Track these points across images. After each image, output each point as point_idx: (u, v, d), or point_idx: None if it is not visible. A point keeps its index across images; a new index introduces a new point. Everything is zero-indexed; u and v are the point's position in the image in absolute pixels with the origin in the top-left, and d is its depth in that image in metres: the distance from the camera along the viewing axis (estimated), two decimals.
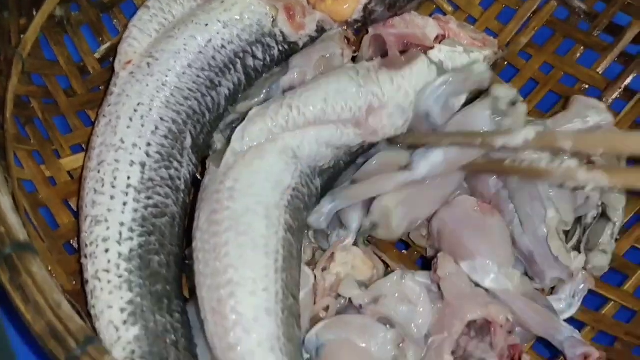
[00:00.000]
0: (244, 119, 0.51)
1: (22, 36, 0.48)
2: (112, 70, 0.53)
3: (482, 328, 0.47)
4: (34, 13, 0.50)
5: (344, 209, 0.52)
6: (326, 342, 0.46)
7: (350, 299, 0.49)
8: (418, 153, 0.50)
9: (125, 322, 0.42)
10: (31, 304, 0.33)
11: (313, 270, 0.51)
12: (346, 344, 0.45)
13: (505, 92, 0.50)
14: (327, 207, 0.51)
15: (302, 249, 0.52)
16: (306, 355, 0.46)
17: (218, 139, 0.55)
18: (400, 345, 0.46)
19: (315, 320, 0.48)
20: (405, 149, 0.53)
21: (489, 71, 0.53)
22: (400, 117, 0.51)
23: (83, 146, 0.54)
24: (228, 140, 0.50)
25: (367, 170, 0.53)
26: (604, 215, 0.53)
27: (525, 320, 0.48)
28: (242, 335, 0.41)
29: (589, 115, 0.52)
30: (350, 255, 0.51)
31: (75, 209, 0.51)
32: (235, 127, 0.54)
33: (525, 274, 0.51)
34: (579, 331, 0.51)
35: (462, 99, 0.53)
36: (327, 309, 0.49)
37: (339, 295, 0.50)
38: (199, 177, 0.52)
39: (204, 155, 0.53)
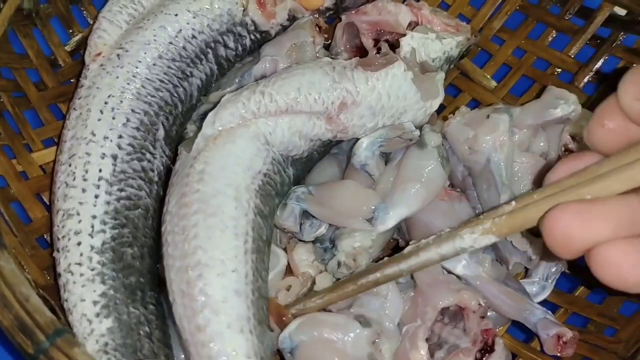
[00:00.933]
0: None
1: None
2: (83, 62, 0.52)
3: (455, 314, 0.47)
4: (1, 6, 0.49)
5: None
6: (300, 343, 0.46)
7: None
8: (381, 208, 0.51)
9: (98, 315, 0.42)
10: None
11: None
12: (320, 343, 0.45)
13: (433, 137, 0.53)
14: (295, 210, 0.51)
15: (276, 235, 0.53)
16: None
17: (191, 130, 0.55)
18: (375, 341, 0.46)
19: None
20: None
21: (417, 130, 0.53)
22: (371, 119, 0.51)
23: (55, 140, 0.53)
24: (200, 126, 0.50)
25: (335, 195, 0.52)
26: None
27: (498, 304, 0.48)
28: (211, 316, 0.41)
29: (558, 107, 0.51)
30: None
31: (48, 203, 0.51)
32: None
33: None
34: (553, 313, 0.51)
35: (398, 153, 0.53)
36: (289, 288, 0.49)
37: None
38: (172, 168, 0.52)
39: (177, 146, 0.53)
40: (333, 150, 0.57)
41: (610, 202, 0.29)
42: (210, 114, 0.48)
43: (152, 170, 0.50)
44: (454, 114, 0.55)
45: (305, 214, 0.52)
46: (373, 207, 0.51)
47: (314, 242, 0.54)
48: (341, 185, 0.53)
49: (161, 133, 0.51)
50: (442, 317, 0.48)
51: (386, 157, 0.55)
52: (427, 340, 0.46)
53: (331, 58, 0.56)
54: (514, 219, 0.33)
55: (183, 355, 0.45)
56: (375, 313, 0.47)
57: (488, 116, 0.51)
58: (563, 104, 0.51)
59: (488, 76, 0.63)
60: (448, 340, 0.47)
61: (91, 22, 0.58)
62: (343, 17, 0.60)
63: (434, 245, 0.38)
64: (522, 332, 0.53)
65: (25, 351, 0.33)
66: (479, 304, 0.46)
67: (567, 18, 0.61)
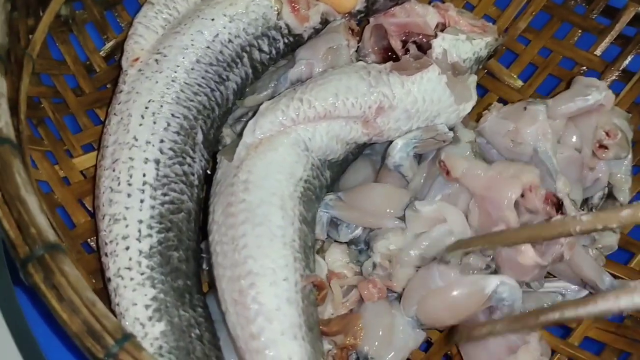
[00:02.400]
0: (252, 112, 0.52)
1: (30, 36, 0.48)
2: (119, 68, 0.53)
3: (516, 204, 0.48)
4: (41, 13, 0.50)
5: None
6: None
7: None
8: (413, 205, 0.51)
9: (150, 318, 0.43)
10: (66, 303, 0.34)
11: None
12: None
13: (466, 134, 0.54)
14: (323, 218, 0.52)
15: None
16: None
17: (227, 134, 0.56)
18: None
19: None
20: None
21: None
22: (406, 123, 0.52)
23: (94, 145, 0.54)
24: (239, 134, 0.50)
25: (366, 197, 0.53)
26: (610, 196, 0.55)
27: (581, 264, 0.50)
28: (265, 324, 0.42)
29: (589, 94, 0.53)
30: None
31: (89, 209, 0.51)
32: (244, 121, 0.55)
33: None
34: None
35: (430, 153, 0.54)
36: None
37: None
38: (209, 173, 0.52)
39: (214, 150, 0.54)
40: (366, 151, 0.57)
41: None
42: (250, 122, 0.49)
43: (193, 174, 0.50)
44: (483, 113, 0.56)
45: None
46: (405, 205, 0.52)
47: (348, 244, 0.55)
48: (370, 187, 0.54)
49: (200, 137, 0.51)
50: None
51: (419, 159, 0.56)
52: None
53: (363, 61, 0.56)
54: None
55: (233, 359, 0.46)
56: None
57: (525, 108, 0.52)
58: (595, 91, 0.52)
59: (514, 76, 0.64)
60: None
61: (125, 28, 0.58)
62: (371, 19, 0.60)
63: (613, 297, 0.36)
64: (559, 328, 0.53)
65: (94, 356, 0.33)
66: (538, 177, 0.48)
67: (592, 17, 0.62)
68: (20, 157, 0.37)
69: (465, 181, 0.50)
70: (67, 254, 0.35)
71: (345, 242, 0.55)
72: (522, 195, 0.48)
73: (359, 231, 0.54)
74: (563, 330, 0.53)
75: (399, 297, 0.52)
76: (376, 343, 0.50)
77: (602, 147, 0.53)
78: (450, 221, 0.50)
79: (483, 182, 0.49)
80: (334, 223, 0.54)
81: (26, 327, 0.43)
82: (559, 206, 0.47)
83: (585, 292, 0.52)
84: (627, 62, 0.60)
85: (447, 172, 0.50)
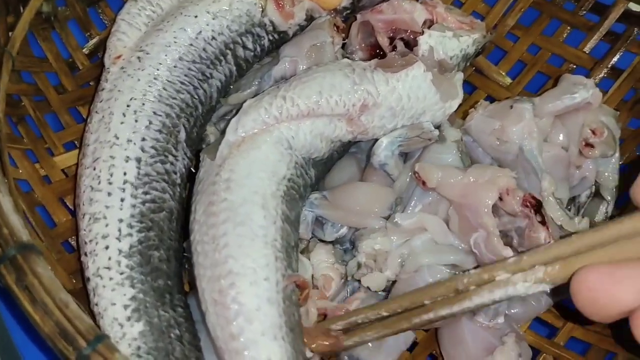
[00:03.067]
0: (236, 110, 0.51)
1: (10, 34, 0.48)
2: (102, 65, 0.52)
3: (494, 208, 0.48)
4: (21, 10, 0.49)
5: None
6: None
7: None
8: (398, 205, 0.52)
9: (129, 319, 0.42)
10: (39, 305, 0.33)
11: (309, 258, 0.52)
12: None
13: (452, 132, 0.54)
14: (308, 217, 0.52)
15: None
16: None
17: (211, 132, 0.55)
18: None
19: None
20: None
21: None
22: (391, 120, 0.52)
23: (76, 143, 0.53)
24: (222, 132, 0.50)
25: (351, 196, 0.53)
26: (597, 194, 0.54)
27: None
28: (245, 324, 0.41)
29: (577, 92, 0.52)
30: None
31: (71, 207, 0.51)
32: (228, 119, 0.54)
33: None
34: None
35: (416, 152, 0.54)
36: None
37: None
38: (193, 171, 0.52)
39: (198, 148, 0.53)
40: (352, 150, 0.57)
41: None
42: (233, 121, 0.49)
43: (175, 173, 0.50)
44: (470, 111, 0.55)
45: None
46: (390, 204, 0.52)
47: (333, 243, 0.54)
48: (356, 187, 0.54)
49: (182, 135, 0.51)
50: None
51: (405, 157, 0.56)
52: None
53: (347, 57, 0.56)
54: (568, 269, 0.32)
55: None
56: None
57: (511, 107, 0.52)
58: (582, 89, 0.52)
59: (503, 73, 0.64)
60: (508, 229, 0.48)
61: (108, 25, 0.57)
62: (358, 15, 0.60)
63: (487, 291, 0.37)
64: (545, 327, 0.53)
65: (66, 358, 0.33)
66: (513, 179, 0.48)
67: (581, 14, 0.62)
68: None
69: (442, 190, 0.50)
70: (41, 254, 0.35)
71: (331, 242, 0.54)
72: (501, 199, 0.47)
73: (344, 230, 0.53)
74: (549, 330, 0.53)
75: (386, 297, 0.52)
76: (369, 344, 0.50)
77: (589, 145, 0.52)
78: (431, 230, 0.50)
79: (459, 189, 0.49)
80: (319, 222, 0.54)
81: (3, 328, 0.43)
82: (537, 207, 0.47)
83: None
84: (615, 59, 0.60)
85: (423, 183, 0.50)
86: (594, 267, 0.29)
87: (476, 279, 0.36)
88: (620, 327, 0.50)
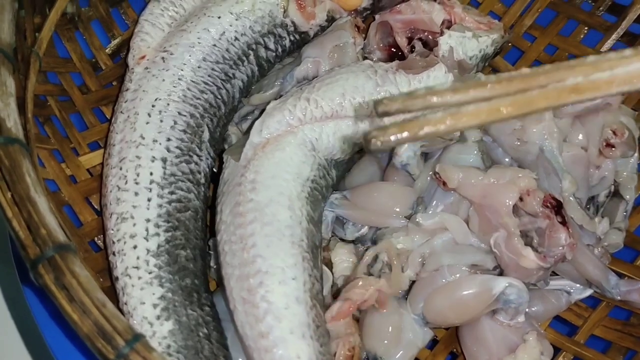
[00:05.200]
0: (258, 111, 0.52)
1: (37, 34, 0.48)
2: (124, 65, 0.53)
3: (515, 208, 0.49)
4: (47, 11, 0.50)
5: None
6: None
7: None
8: (419, 204, 0.52)
9: (158, 317, 0.43)
10: (77, 304, 0.34)
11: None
12: None
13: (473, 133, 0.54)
14: (328, 217, 0.52)
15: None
16: None
17: (233, 132, 0.56)
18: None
19: None
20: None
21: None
22: None
23: (100, 143, 0.54)
24: (245, 133, 0.50)
25: (372, 196, 0.53)
26: (616, 194, 0.55)
27: (585, 263, 0.50)
28: (274, 323, 0.42)
29: None
30: None
31: (96, 207, 0.51)
32: (250, 119, 0.55)
33: None
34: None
35: (435, 152, 0.54)
36: None
37: None
38: (215, 171, 0.52)
39: (220, 148, 0.54)
40: None
41: None
42: (257, 122, 0.49)
43: (199, 172, 0.50)
44: None
45: None
46: (411, 204, 0.52)
47: (354, 242, 0.55)
48: (377, 186, 0.54)
49: (206, 135, 0.51)
50: None
51: (425, 157, 0.56)
52: None
53: (366, 58, 0.56)
54: None
55: (240, 359, 0.46)
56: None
57: None
58: None
59: None
60: (529, 229, 0.49)
61: (130, 25, 0.58)
62: (377, 16, 0.60)
63: None
64: (564, 325, 0.53)
65: (105, 357, 0.33)
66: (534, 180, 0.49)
67: (598, 14, 0.62)
68: (29, 157, 0.37)
69: (462, 191, 0.50)
70: (76, 254, 0.35)
71: (351, 241, 0.55)
72: (521, 199, 0.48)
73: (365, 229, 0.54)
74: (569, 328, 0.53)
75: (406, 295, 0.52)
76: (385, 341, 0.50)
77: (609, 145, 0.53)
78: (452, 230, 0.51)
79: (479, 190, 0.49)
80: (340, 221, 0.54)
81: (35, 327, 0.43)
82: (558, 208, 0.47)
83: (590, 291, 0.52)
84: None
85: (444, 183, 0.51)
86: None
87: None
88: None
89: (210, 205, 0.52)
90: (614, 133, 0.53)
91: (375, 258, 0.52)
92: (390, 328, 0.50)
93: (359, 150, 0.55)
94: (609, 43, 0.61)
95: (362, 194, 0.54)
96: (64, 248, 0.35)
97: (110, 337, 0.33)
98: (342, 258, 0.54)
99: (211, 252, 0.50)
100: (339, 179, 0.54)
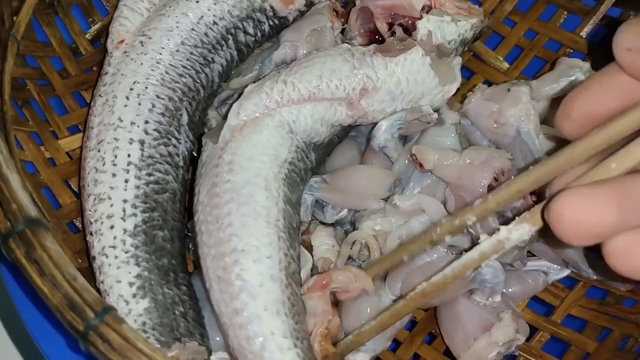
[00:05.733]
0: (238, 95, 0.52)
1: (14, 18, 0.48)
2: (104, 51, 0.53)
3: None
4: None
5: None
6: None
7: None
8: (397, 186, 0.53)
9: (134, 295, 0.43)
10: (47, 278, 0.34)
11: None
12: None
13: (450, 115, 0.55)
14: (307, 200, 0.53)
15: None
16: None
17: (213, 116, 0.56)
18: None
19: None
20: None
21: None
22: (390, 104, 0.52)
23: (79, 127, 0.54)
24: (225, 117, 0.51)
25: (350, 179, 0.54)
26: None
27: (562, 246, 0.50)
28: (248, 300, 0.42)
29: (573, 75, 0.53)
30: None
31: (75, 189, 0.52)
32: (229, 103, 0.55)
33: None
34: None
35: (415, 135, 0.55)
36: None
37: None
38: (195, 155, 0.53)
39: (200, 132, 0.54)
40: (351, 134, 0.58)
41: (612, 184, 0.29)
42: (235, 105, 0.49)
43: (178, 155, 0.51)
44: (467, 94, 0.56)
45: None
46: (389, 186, 0.53)
47: (334, 225, 0.55)
48: (355, 169, 0.54)
49: (185, 118, 0.52)
50: None
51: (404, 140, 0.56)
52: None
53: (347, 43, 0.57)
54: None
55: (218, 338, 0.46)
56: None
57: (509, 90, 0.53)
58: (578, 72, 0.53)
59: (500, 58, 0.64)
60: (504, 209, 0.48)
61: (110, 10, 0.58)
62: (357, 1, 0.60)
63: (480, 248, 0.38)
64: (541, 305, 0.54)
65: (75, 329, 0.34)
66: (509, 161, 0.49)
67: None
68: (2, 135, 0.37)
69: (438, 172, 0.51)
70: (48, 230, 0.36)
71: (331, 224, 0.55)
72: (496, 179, 0.48)
73: (344, 212, 0.54)
74: (546, 308, 0.54)
75: (384, 276, 0.52)
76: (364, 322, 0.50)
77: None
78: (428, 212, 0.51)
79: (455, 170, 0.50)
80: (319, 204, 0.55)
81: (10, 303, 0.44)
82: None
83: (567, 272, 0.53)
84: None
85: (420, 165, 0.51)
86: (573, 189, 0.29)
87: (448, 227, 0.37)
88: None
89: (190, 189, 0.52)
90: None
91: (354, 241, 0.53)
92: (368, 309, 0.50)
93: (339, 134, 0.55)
94: (588, 27, 0.61)
95: (341, 177, 0.54)
96: (35, 223, 0.35)
97: (80, 309, 0.34)
98: (322, 241, 0.55)
99: (190, 234, 0.51)
100: (318, 163, 0.54)
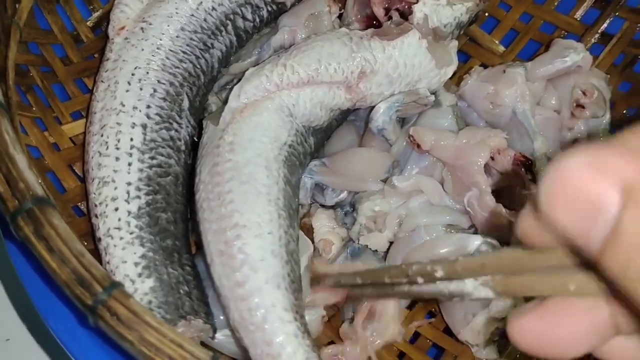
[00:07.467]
0: (237, 79, 0.53)
1: (17, 5, 0.49)
2: (105, 38, 0.54)
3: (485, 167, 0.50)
4: None
5: None
6: None
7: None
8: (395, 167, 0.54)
9: (140, 275, 0.44)
10: (56, 254, 0.35)
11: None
12: None
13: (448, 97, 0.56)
14: (307, 184, 0.54)
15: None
16: None
17: (213, 101, 0.57)
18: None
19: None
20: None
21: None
22: (388, 87, 0.53)
23: (82, 113, 0.55)
24: (224, 101, 0.52)
25: (349, 162, 0.54)
26: None
27: None
28: (250, 273, 0.43)
29: (567, 56, 0.54)
30: None
31: (79, 174, 0.52)
32: (229, 88, 0.56)
33: None
34: None
35: (413, 118, 0.56)
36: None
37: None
38: (195, 140, 0.54)
39: (200, 117, 0.55)
40: (350, 118, 0.59)
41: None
42: (236, 87, 0.50)
43: (179, 140, 0.51)
44: (464, 76, 0.57)
45: None
46: (387, 168, 0.53)
47: (334, 207, 0.56)
48: (354, 152, 0.55)
49: (186, 103, 0.52)
50: None
51: (402, 123, 0.57)
52: None
53: (346, 29, 0.57)
54: (509, 285, 0.28)
55: (222, 317, 0.47)
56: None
57: (504, 71, 0.53)
58: (572, 53, 0.54)
59: (496, 41, 0.65)
60: (501, 187, 0.51)
61: None
62: None
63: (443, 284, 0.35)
64: None
65: (83, 303, 0.34)
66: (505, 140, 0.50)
67: None
68: (8, 117, 0.38)
69: (436, 152, 0.52)
70: (55, 208, 0.36)
71: (331, 206, 0.56)
72: (492, 159, 0.49)
73: (344, 195, 0.55)
74: None
75: (385, 256, 0.53)
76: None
77: (580, 106, 0.54)
78: (426, 192, 0.52)
79: (452, 150, 0.51)
80: (319, 187, 0.55)
81: (18, 281, 0.45)
82: (528, 165, 0.48)
83: None
84: (605, 24, 0.61)
85: (418, 146, 0.52)
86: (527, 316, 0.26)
87: (421, 271, 0.35)
88: None
89: (191, 173, 0.53)
90: (584, 93, 0.54)
91: (354, 222, 0.54)
92: None
93: (337, 118, 0.56)
94: (582, 9, 0.62)
95: (340, 160, 0.55)
96: (42, 201, 0.36)
97: (89, 284, 0.35)
98: (323, 223, 0.55)
99: (192, 217, 0.52)
100: (317, 147, 0.55)
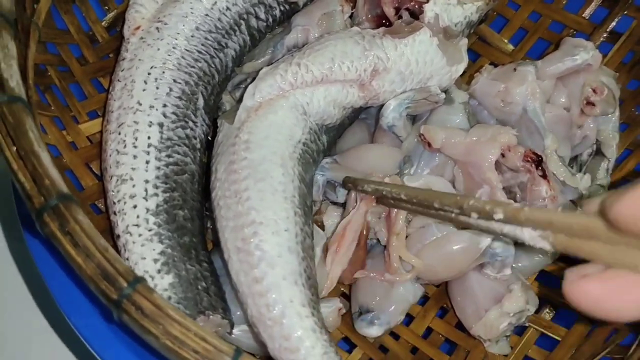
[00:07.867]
0: (251, 79, 0.53)
1: (35, 6, 0.50)
2: (120, 38, 0.54)
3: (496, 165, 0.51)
4: None
5: None
6: None
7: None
8: (406, 162, 0.54)
9: (159, 271, 0.45)
10: (81, 249, 0.36)
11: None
12: None
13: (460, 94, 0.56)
14: (319, 181, 0.54)
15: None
16: None
17: (227, 100, 0.58)
18: None
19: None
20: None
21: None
22: (400, 85, 0.54)
23: (98, 112, 0.55)
24: (238, 100, 0.52)
25: (360, 158, 0.55)
26: (598, 152, 0.56)
27: None
28: (267, 269, 0.43)
29: (577, 54, 0.55)
30: None
31: (96, 172, 0.53)
32: (243, 87, 0.57)
33: None
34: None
35: (423, 115, 0.56)
36: None
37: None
38: (210, 139, 0.54)
39: (215, 116, 0.56)
40: (361, 116, 0.59)
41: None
42: (250, 86, 0.51)
43: (195, 138, 0.52)
44: (474, 75, 0.58)
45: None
46: (398, 163, 0.54)
47: (345, 204, 0.56)
48: (365, 148, 0.56)
49: (201, 102, 0.53)
50: None
51: (413, 120, 0.58)
52: None
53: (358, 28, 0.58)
54: (571, 247, 0.31)
55: (239, 312, 0.48)
56: None
57: (515, 69, 0.54)
58: (582, 51, 0.54)
59: (505, 40, 0.66)
60: (511, 184, 0.51)
61: None
62: None
63: (497, 223, 0.36)
64: (550, 278, 0.55)
65: (108, 297, 0.35)
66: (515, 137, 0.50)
67: None
68: (32, 116, 0.39)
69: (446, 150, 0.53)
70: (78, 204, 0.37)
71: (343, 203, 0.57)
72: (503, 156, 0.50)
73: None
74: (554, 281, 0.55)
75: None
76: (377, 297, 0.52)
77: (590, 103, 0.55)
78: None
79: (462, 148, 0.51)
80: (331, 184, 0.56)
81: (39, 278, 0.45)
82: (538, 162, 0.49)
83: None
84: (614, 23, 0.62)
85: (429, 144, 0.53)
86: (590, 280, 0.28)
87: (478, 207, 0.37)
88: None
89: (206, 171, 0.54)
90: (594, 91, 0.54)
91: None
92: (382, 283, 0.52)
93: (349, 116, 0.57)
94: (591, 8, 0.63)
95: (351, 156, 0.55)
96: (67, 198, 0.37)
97: (114, 278, 0.35)
98: (334, 221, 0.56)
99: (208, 214, 0.52)
100: (330, 145, 0.56)
